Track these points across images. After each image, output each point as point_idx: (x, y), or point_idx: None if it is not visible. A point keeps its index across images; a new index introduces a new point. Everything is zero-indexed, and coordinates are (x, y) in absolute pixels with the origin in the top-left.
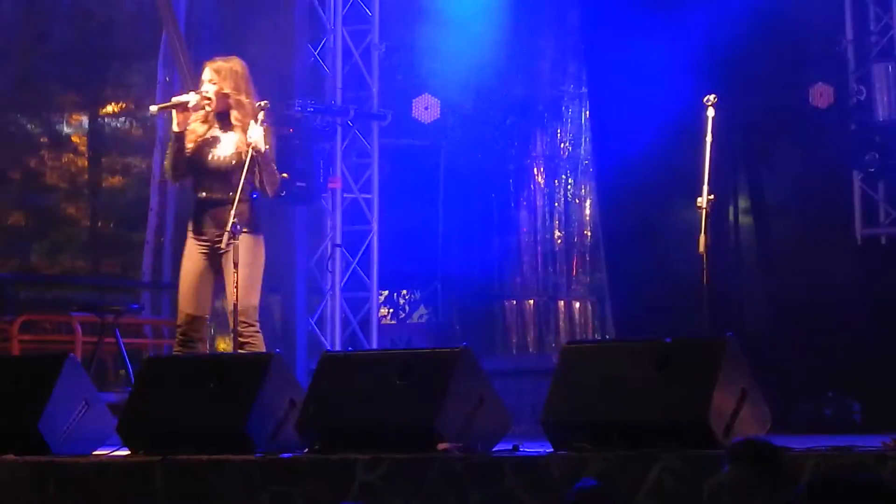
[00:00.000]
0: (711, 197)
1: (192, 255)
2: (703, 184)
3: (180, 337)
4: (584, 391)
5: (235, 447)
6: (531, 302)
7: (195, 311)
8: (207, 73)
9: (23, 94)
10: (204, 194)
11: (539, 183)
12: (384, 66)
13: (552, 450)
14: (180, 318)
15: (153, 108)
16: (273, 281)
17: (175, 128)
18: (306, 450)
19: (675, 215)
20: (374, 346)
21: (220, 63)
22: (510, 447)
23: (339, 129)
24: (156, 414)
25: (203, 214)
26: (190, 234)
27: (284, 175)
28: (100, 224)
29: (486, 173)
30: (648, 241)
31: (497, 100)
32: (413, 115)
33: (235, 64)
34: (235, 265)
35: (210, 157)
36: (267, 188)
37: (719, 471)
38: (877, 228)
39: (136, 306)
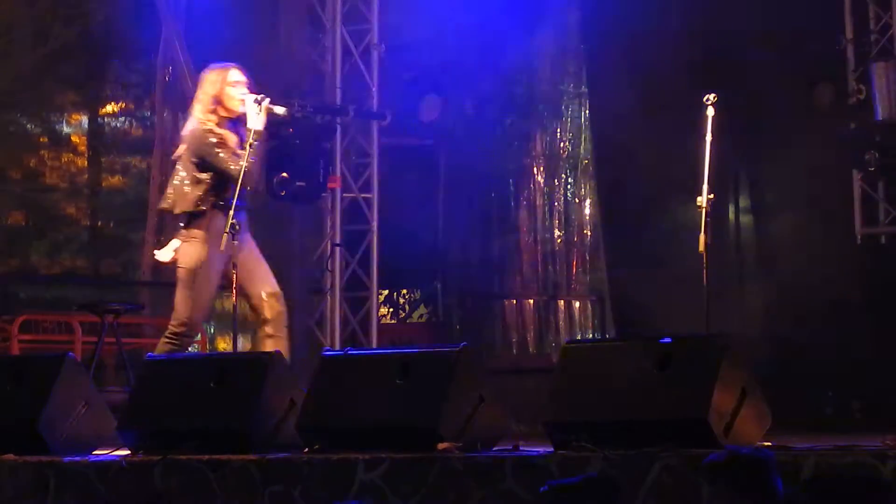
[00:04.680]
0: (711, 196)
1: (216, 263)
2: (702, 183)
3: (184, 339)
4: (584, 391)
5: (235, 447)
6: (531, 301)
7: (207, 318)
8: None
9: (23, 93)
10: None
11: (539, 182)
12: (384, 65)
13: (552, 450)
14: (192, 326)
15: (280, 109)
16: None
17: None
18: (306, 450)
19: (674, 214)
20: (374, 345)
21: None
22: (510, 447)
23: (339, 129)
24: (156, 414)
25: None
26: (210, 243)
27: (284, 175)
28: (100, 224)
29: (485, 173)
30: (648, 240)
31: (497, 99)
32: (420, 116)
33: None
34: (234, 266)
35: None
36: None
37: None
38: (876, 228)
39: (136, 306)
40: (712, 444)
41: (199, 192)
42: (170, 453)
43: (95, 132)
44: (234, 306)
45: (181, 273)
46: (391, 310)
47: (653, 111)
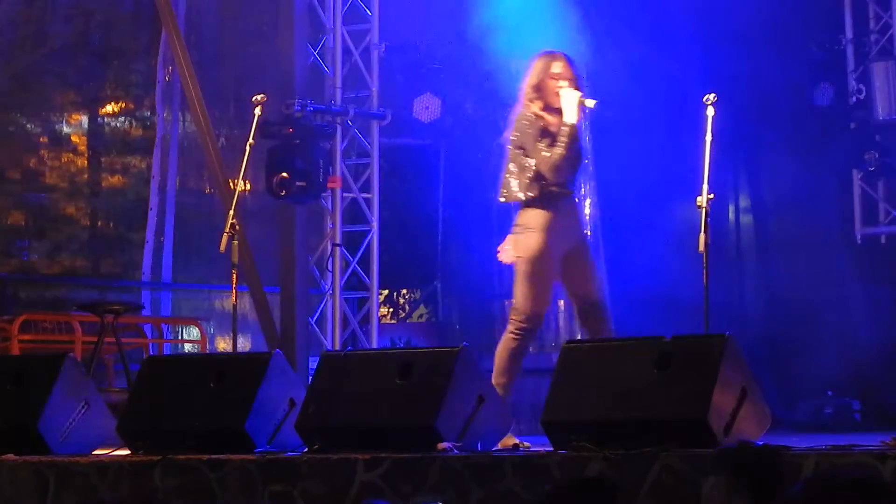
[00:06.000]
0: (711, 196)
1: (554, 252)
2: (702, 183)
3: (530, 333)
4: (584, 390)
5: (235, 446)
6: None
7: (546, 309)
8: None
9: (22, 93)
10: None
11: None
12: (384, 65)
13: (552, 449)
14: (535, 320)
15: (591, 103)
16: (273, 280)
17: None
18: (306, 450)
19: (674, 214)
20: (374, 345)
21: None
22: (510, 447)
23: (339, 129)
24: (156, 414)
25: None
26: (547, 232)
27: (284, 175)
28: (99, 224)
29: (485, 173)
30: (648, 240)
31: (497, 99)
32: (413, 114)
33: None
34: (234, 266)
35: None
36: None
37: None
38: (876, 227)
39: (136, 306)
40: (712, 444)
41: (525, 179)
42: (170, 453)
43: (95, 132)
44: (234, 306)
45: (519, 266)
46: (391, 310)
47: (653, 110)
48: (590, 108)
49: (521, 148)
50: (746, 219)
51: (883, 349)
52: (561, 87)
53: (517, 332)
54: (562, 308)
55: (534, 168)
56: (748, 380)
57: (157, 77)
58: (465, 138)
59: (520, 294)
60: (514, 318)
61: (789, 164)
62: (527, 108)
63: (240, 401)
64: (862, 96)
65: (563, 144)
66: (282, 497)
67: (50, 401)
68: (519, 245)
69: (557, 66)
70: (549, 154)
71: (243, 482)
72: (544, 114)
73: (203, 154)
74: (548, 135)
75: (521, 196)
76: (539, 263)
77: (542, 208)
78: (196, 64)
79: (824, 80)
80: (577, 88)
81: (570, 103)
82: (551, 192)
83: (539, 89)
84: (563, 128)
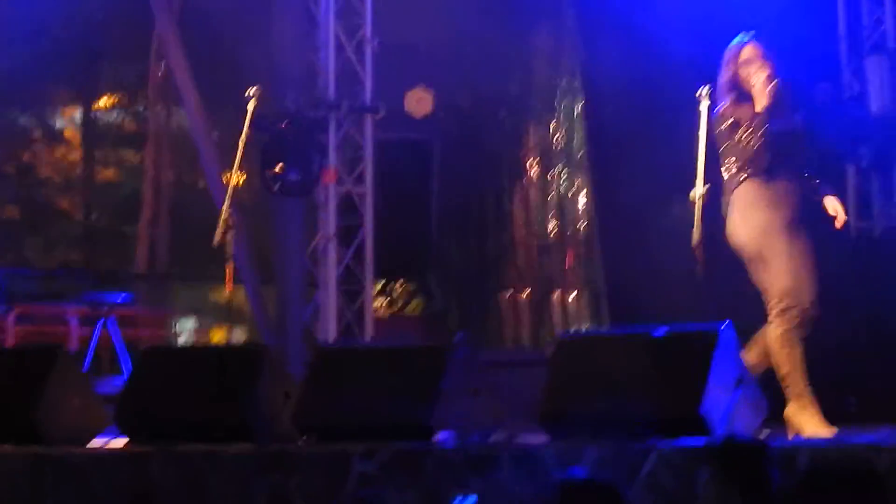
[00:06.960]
0: (704, 190)
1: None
2: (696, 177)
3: (793, 312)
4: (579, 383)
5: (231, 438)
6: (526, 294)
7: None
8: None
9: (17, 88)
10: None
11: (533, 176)
12: (377, 59)
13: (547, 441)
14: (796, 297)
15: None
16: (267, 274)
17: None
18: (304, 437)
19: (669, 208)
20: (369, 338)
21: None
22: (505, 439)
23: (333, 123)
24: (152, 405)
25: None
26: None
27: (278, 169)
28: (94, 217)
29: (480, 166)
30: (643, 233)
31: (491, 93)
32: (406, 108)
33: None
34: (228, 258)
35: None
36: None
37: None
38: (871, 221)
39: (130, 299)
40: (707, 437)
41: (730, 171)
42: (166, 444)
43: (89, 126)
44: (229, 299)
45: (759, 251)
46: (387, 300)
47: (648, 105)
48: (773, 90)
49: (720, 142)
50: None
51: (878, 343)
52: (752, 73)
53: (780, 313)
54: (556, 301)
55: (730, 158)
56: (742, 372)
57: (151, 72)
58: (460, 132)
59: (768, 278)
60: (772, 303)
61: None
62: (721, 106)
63: (236, 393)
64: (856, 91)
65: (750, 132)
66: (278, 488)
67: (45, 393)
68: (746, 236)
69: (746, 52)
70: (739, 144)
71: (239, 473)
72: (734, 105)
73: (197, 148)
74: (738, 125)
75: (731, 188)
76: (769, 239)
77: (750, 197)
78: (190, 58)
79: (818, 75)
80: (767, 71)
81: (758, 89)
82: (754, 181)
83: (732, 81)
84: (753, 117)
